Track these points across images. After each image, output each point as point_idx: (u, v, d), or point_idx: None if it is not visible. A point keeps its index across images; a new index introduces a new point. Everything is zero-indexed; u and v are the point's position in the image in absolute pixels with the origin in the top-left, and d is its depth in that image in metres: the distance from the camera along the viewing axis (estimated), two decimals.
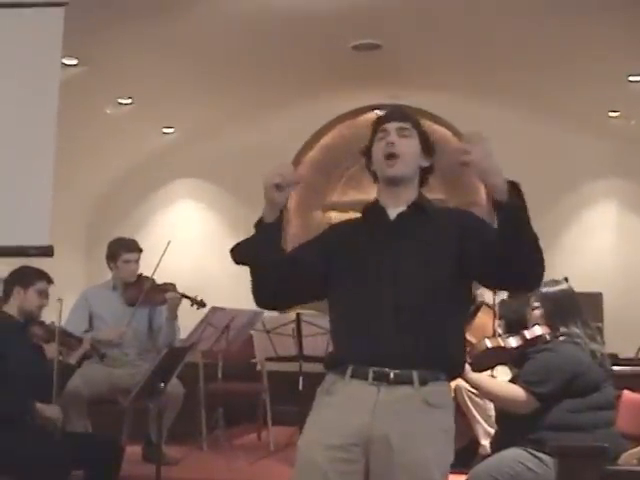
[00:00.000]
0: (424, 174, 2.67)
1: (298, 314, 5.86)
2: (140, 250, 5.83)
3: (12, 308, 4.52)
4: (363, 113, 10.19)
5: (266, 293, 2.65)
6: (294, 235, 10.18)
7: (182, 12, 6.58)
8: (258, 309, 5.80)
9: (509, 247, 2.23)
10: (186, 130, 9.24)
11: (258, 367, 7.19)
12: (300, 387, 5.87)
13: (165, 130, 9.23)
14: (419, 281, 2.41)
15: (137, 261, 5.81)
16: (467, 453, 5.02)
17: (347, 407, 2.38)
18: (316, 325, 5.76)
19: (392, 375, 2.34)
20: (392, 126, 2.61)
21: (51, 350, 4.63)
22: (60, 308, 4.62)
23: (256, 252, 2.57)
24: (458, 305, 2.50)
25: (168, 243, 5.54)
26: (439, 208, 2.69)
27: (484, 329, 4.94)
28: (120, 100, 8.08)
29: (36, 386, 4.34)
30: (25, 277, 4.57)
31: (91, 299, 5.78)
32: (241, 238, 2.73)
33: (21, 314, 4.52)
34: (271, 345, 6.14)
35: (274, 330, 6.03)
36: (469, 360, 3.77)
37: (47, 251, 4.61)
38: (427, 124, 9.92)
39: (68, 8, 4.91)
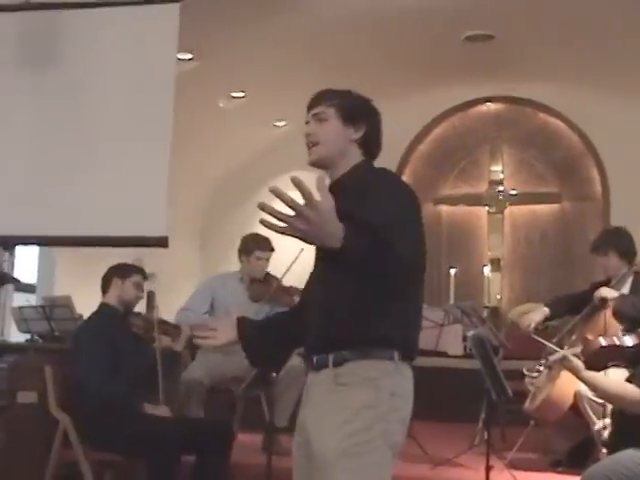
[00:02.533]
0: (363, 143, 2.56)
1: None
2: (272, 249, 5.86)
3: (111, 299, 4.64)
4: (475, 105, 10.08)
5: None
6: None
7: (294, 5, 6.62)
8: None
9: None
10: (297, 123, 9.29)
11: None
12: None
13: (277, 123, 9.32)
14: (324, 270, 2.43)
15: (268, 260, 5.87)
16: (581, 453, 4.90)
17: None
18: (427, 319, 5.71)
19: (315, 360, 2.43)
20: (310, 115, 2.59)
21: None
22: (153, 300, 4.73)
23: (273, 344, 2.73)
24: (360, 282, 2.30)
25: (301, 250, 5.44)
26: (361, 177, 2.51)
27: (609, 328, 4.76)
28: (233, 94, 8.20)
29: (141, 374, 4.45)
30: (123, 270, 4.69)
31: (216, 286, 5.86)
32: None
33: (120, 304, 4.64)
34: None
35: None
36: (582, 358, 3.67)
37: (162, 242, 4.72)
38: (540, 116, 9.77)
39: (183, 4, 5.01)
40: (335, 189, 2.34)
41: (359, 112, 2.60)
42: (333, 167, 2.54)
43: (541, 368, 4.91)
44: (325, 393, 2.36)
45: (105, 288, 4.66)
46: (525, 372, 5.08)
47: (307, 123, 2.59)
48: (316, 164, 2.55)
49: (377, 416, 2.31)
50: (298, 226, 1.97)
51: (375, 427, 2.30)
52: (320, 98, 2.61)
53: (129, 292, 4.63)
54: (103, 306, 4.61)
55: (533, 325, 5.06)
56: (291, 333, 2.66)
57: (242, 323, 2.70)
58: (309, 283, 2.69)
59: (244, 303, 5.69)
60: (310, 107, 2.60)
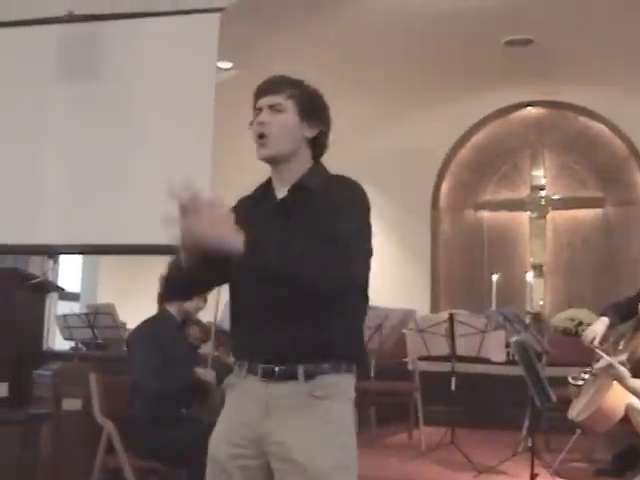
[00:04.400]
0: (315, 143, 2.40)
1: (451, 314, 5.80)
2: None
3: (172, 306, 4.67)
4: (515, 110, 10.01)
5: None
6: (446, 234, 10.12)
7: (331, 14, 6.65)
8: (410, 308, 5.79)
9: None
10: (332, 132, 9.30)
11: (410, 366, 7.16)
12: (452, 387, 5.81)
13: None
14: (300, 277, 2.19)
15: None
16: (625, 461, 4.85)
17: (242, 404, 2.32)
18: (469, 325, 5.69)
19: (277, 370, 2.25)
20: (263, 102, 2.36)
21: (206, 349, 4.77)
22: (216, 310, 4.74)
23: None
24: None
25: None
26: (326, 183, 2.35)
27: None
28: None
29: (189, 384, 4.47)
30: None
31: None
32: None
33: (179, 314, 4.67)
34: (423, 344, 6.10)
35: (427, 329, 6.00)
36: (628, 366, 3.62)
37: None
38: (581, 120, 9.68)
39: (223, 14, 5.05)
40: (298, 193, 2.31)
41: (317, 109, 2.40)
42: (283, 165, 2.37)
43: (586, 376, 4.86)
44: (300, 407, 2.25)
45: None
46: (570, 380, 5.02)
47: (258, 110, 2.36)
48: (267, 159, 2.36)
49: (353, 427, 2.33)
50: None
51: (354, 438, 2.32)
52: (277, 86, 2.38)
53: (190, 302, 4.65)
54: (162, 311, 4.63)
55: (598, 339, 4.94)
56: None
57: None
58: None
59: None
60: (264, 94, 2.37)
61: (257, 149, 2.36)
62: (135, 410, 4.23)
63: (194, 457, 4.05)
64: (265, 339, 2.26)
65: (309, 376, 2.25)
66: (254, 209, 2.39)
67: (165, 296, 3.80)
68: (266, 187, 2.42)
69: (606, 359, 4.29)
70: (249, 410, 2.29)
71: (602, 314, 5.09)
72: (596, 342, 4.83)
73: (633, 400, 4.45)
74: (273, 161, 2.37)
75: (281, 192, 2.37)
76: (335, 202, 2.25)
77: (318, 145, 2.42)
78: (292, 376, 2.25)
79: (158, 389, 4.21)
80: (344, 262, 2.15)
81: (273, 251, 2.16)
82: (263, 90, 2.39)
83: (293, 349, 2.25)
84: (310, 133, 2.38)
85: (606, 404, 4.73)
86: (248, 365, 2.31)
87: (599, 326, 4.95)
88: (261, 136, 2.33)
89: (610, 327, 5.07)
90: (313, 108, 2.39)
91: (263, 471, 2.27)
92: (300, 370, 2.25)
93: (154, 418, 4.16)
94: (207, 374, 4.46)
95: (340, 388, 2.32)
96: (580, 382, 4.96)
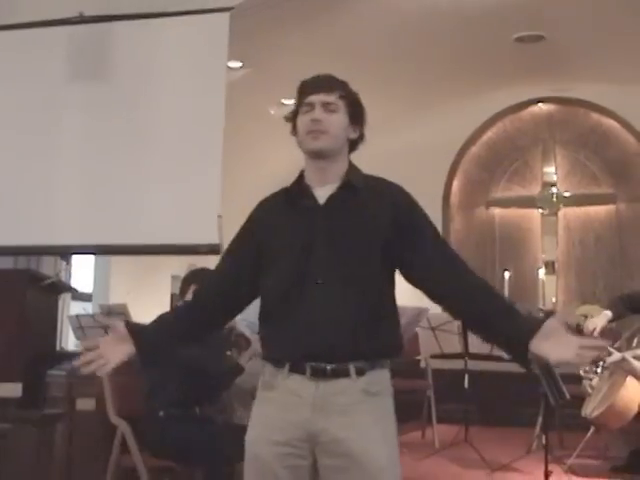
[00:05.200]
0: (353, 145, 2.50)
1: None
2: None
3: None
4: (526, 107, 9.99)
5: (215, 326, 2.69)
6: (457, 231, 10.11)
7: (342, 12, 6.64)
8: (423, 306, 5.78)
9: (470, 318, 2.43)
10: None
11: (423, 364, 7.17)
12: (465, 385, 5.81)
13: None
14: (347, 272, 2.31)
15: None
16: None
17: (287, 403, 2.32)
18: None
19: (329, 369, 2.28)
20: (317, 99, 2.41)
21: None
22: None
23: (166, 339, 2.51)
24: (386, 291, 2.38)
25: None
26: (371, 183, 2.47)
27: None
28: (284, 100, 8.22)
29: (203, 383, 4.46)
30: (201, 276, 4.71)
31: None
32: None
33: None
34: (436, 342, 6.10)
35: (439, 327, 6.00)
36: None
37: (215, 249, 4.75)
38: (593, 116, 9.65)
39: (232, 12, 5.05)
40: (346, 190, 2.39)
41: (361, 112, 2.51)
42: (331, 161, 2.43)
43: (599, 370, 4.85)
44: (354, 403, 2.28)
45: (182, 291, 4.69)
46: (582, 374, 5.02)
47: (308, 106, 2.42)
48: (321, 152, 2.41)
49: (395, 422, 2.37)
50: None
51: (396, 433, 2.37)
52: (331, 85, 2.45)
53: None
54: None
55: (598, 330, 4.96)
56: (189, 329, 2.52)
57: (135, 330, 2.46)
58: (235, 255, 2.54)
59: None
60: (317, 90, 2.43)
61: (308, 141, 2.41)
62: (154, 408, 4.21)
63: (208, 456, 4.07)
64: (314, 338, 2.28)
65: (360, 373, 2.29)
66: (289, 209, 2.45)
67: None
68: (300, 187, 2.46)
69: (619, 354, 4.28)
70: (298, 409, 2.30)
71: (608, 307, 5.10)
72: (596, 333, 4.86)
73: None
74: (323, 155, 2.42)
75: (321, 191, 2.41)
76: (409, 221, 2.41)
77: (355, 146, 2.51)
78: (344, 373, 2.29)
79: (214, 370, 4.22)
80: None
81: (324, 251, 2.30)
82: (315, 86, 2.45)
83: (344, 347, 2.28)
84: (354, 135, 2.48)
85: (619, 401, 4.72)
86: (290, 364, 2.32)
87: (600, 319, 4.98)
88: (318, 131, 2.39)
89: (618, 319, 5.07)
90: (358, 111, 2.49)
91: (310, 470, 2.30)
92: (352, 367, 2.29)
93: (168, 417, 4.16)
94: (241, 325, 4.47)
95: (386, 384, 2.38)
96: (592, 376, 4.95)
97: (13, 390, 4.57)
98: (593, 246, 9.75)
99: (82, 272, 8.81)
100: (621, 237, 9.59)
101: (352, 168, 2.48)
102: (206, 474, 4.11)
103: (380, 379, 2.35)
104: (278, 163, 9.62)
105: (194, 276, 4.70)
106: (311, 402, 2.29)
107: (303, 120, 2.42)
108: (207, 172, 4.92)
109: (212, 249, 4.77)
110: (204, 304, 2.53)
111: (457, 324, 5.86)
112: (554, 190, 9.84)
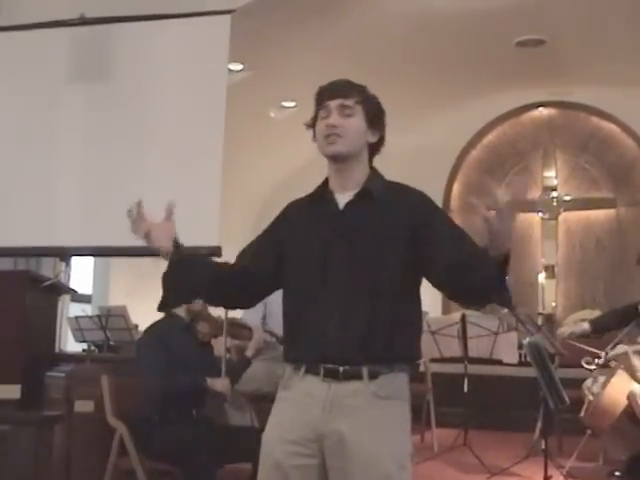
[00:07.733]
0: (373, 149, 2.51)
1: (464, 315, 5.78)
2: None
3: (181, 309, 4.66)
4: (527, 111, 10.00)
5: (231, 304, 2.83)
6: None
7: (344, 15, 6.64)
8: (423, 310, 5.78)
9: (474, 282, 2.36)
10: None
11: (422, 368, 7.16)
12: (465, 389, 5.80)
13: None
14: (366, 278, 2.34)
15: None
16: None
17: (301, 403, 2.36)
18: (481, 326, 5.68)
19: (342, 371, 2.30)
20: (334, 104, 2.42)
21: (218, 345, 4.74)
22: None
23: (183, 285, 2.70)
24: (406, 296, 2.39)
25: None
26: (390, 188, 2.48)
27: None
28: (284, 103, 8.23)
29: (199, 387, 4.45)
30: None
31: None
32: None
33: (187, 313, 4.66)
34: (436, 346, 6.09)
35: (439, 331, 5.99)
36: None
37: (216, 251, 4.75)
38: (593, 120, 9.65)
39: (234, 15, 5.05)
40: (363, 197, 2.42)
41: (380, 116, 2.51)
42: (347, 165, 2.45)
43: (601, 361, 4.86)
44: (365, 406, 2.30)
45: None
46: (584, 364, 5.02)
47: (326, 109, 2.43)
48: (336, 156, 2.43)
49: (409, 427, 2.37)
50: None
51: (409, 438, 2.38)
52: (351, 91, 2.46)
53: (197, 303, 4.65)
54: (169, 314, 4.64)
55: (567, 335, 5.12)
56: (215, 284, 2.61)
57: (179, 245, 2.68)
58: (261, 245, 2.60)
59: None
60: (334, 95, 2.44)
61: (325, 146, 2.44)
62: (145, 412, 4.22)
63: (205, 458, 4.06)
64: (329, 340, 2.31)
65: (373, 376, 2.31)
66: (312, 213, 2.49)
67: (164, 304, 4.22)
68: (324, 190, 2.51)
69: (623, 347, 4.32)
70: (311, 410, 2.33)
71: (590, 322, 5.16)
72: (565, 335, 5.07)
73: (634, 387, 4.47)
74: (340, 159, 2.44)
75: (342, 197, 2.45)
76: (428, 221, 2.42)
77: (375, 151, 2.52)
78: (357, 376, 2.31)
79: (162, 390, 4.20)
80: None
81: (340, 255, 2.34)
82: (332, 92, 2.47)
83: (357, 350, 2.30)
84: (373, 139, 2.48)
85: (605, 399, 4.73)
86: (306, 366, 2.35)
87: (577, 328, 5.11)
88: (334, 135, 2.41)
89: (600, 334, 5.14)
90: (377, 115, 2.49)
91: (318, 470, 2.32)
92: (364, 370, 2.31)
93: (164, 419, 4.16)
94: (218, 384, 4.44)
95: (400, 388, 2.38)
96: (593, 367, 4.97)
97: (12, 392, 4.56)
98: (593, 250, 9.76)
99: (82, 274, 8.81)
100: (621, 241, 9.60)
101: (374, 174, 2.50)
102: (204, 476, 4.10)
103: (393, 383, 2.35)
104: (278, 164, 9.63)
105: None
106: (322, 403, 2.31)
107: (320, 125, 2.45)
108: (207, 172, 4.91)
109: (212, 251, 4.76)
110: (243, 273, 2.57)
111: (457, 328, 5.85)
112: (554, 194, 9.85)
